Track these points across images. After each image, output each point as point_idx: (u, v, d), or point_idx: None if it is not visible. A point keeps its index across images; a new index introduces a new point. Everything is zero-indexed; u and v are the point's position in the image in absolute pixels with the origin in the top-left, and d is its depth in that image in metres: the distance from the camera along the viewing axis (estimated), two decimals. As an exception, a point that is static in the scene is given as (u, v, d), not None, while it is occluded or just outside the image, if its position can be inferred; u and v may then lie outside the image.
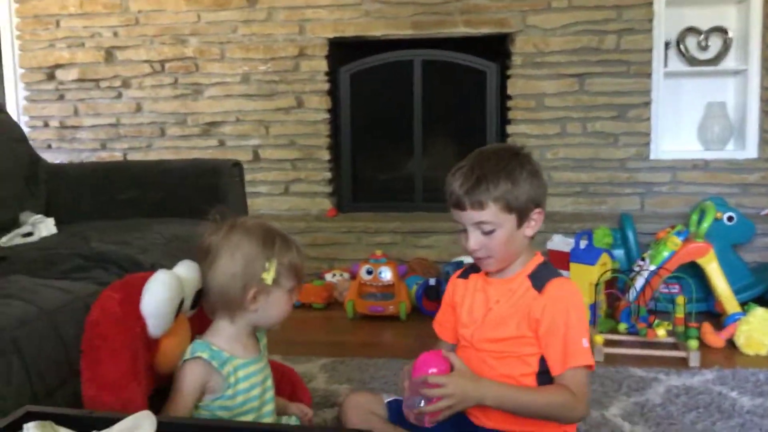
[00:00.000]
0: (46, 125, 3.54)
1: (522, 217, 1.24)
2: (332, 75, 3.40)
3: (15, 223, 1.90)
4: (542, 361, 1.24)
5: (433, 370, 1.17)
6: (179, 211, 1.96)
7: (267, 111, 3.39)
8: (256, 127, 3.41)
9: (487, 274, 1.33)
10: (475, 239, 1.24)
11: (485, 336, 1.28)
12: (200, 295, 1.26)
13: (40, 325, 1.17)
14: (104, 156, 3.49)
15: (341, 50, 3.40)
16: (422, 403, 1.16)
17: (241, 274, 1.19)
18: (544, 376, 1.24)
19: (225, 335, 1.24)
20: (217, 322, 1.26)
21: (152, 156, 3.46)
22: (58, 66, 3.49)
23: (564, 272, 2.52)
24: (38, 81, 3.52)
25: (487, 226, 1.23)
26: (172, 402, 1.18)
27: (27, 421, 0.92)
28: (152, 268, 1.34)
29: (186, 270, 1.25)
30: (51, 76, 3.51)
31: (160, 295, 1.16)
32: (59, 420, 0.95)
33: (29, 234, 1.78)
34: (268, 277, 1.20)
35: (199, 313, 1.30)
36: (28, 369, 1.11)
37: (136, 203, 2.03)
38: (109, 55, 3.46)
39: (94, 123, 3.50)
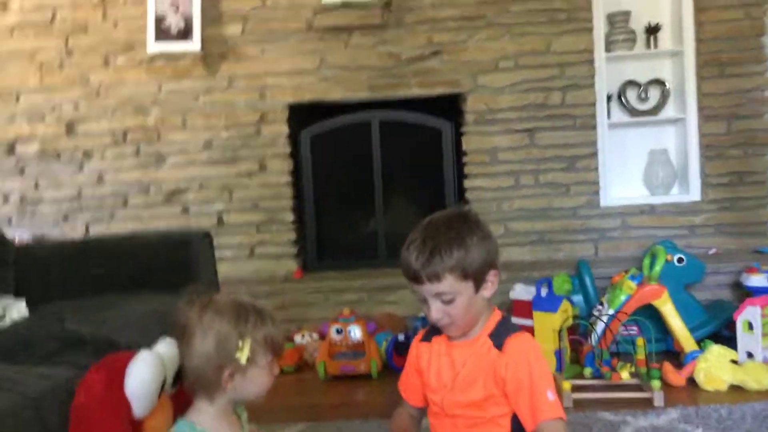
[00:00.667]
0: (6, 200, 3.52)
1: (478, 282, 1.28)
2: (293, 138, 3.49)
3: (-16, 308, 1.89)
4: (514, 420, 1.28)
5: None
6: (151, 285, 1.97)
7: (230, 176, 3.44)
8: (220, 193, 3.45)
9: (449, 337, 1.36)
10: (436, 309, 1.28)
11: (455, 400, 1.31)
12: (180, 373, 1.28)
13: (26, 414, 1.17)
14: (66, 229, 3.48)
15: (301, 113, 3.49)
16: None
17: (215, 356, 1.20)
18: None
19: (207, 414, 1.24)
20: (198, 402, 1.26)
21: (115, 227, 3.45)
22: (19, 140, 3.50)
23: (527, 321, 2.60)
24: (-3, 156, 3.51)
25: (447, 296, 1.26)
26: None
27: None
28: (129, 348, 1.36)
29: (166, 348, 1.27)
30: (11, 151, 3.51)
31: (144, 376, 1.19)
32: None
33: None
34: (242, 356, 1.20)
35: (180, 390, 1.32)
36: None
37: (108, 278, 2.03)
38: (70, 127, 3.48)
39: (55, 196, 3.50)
